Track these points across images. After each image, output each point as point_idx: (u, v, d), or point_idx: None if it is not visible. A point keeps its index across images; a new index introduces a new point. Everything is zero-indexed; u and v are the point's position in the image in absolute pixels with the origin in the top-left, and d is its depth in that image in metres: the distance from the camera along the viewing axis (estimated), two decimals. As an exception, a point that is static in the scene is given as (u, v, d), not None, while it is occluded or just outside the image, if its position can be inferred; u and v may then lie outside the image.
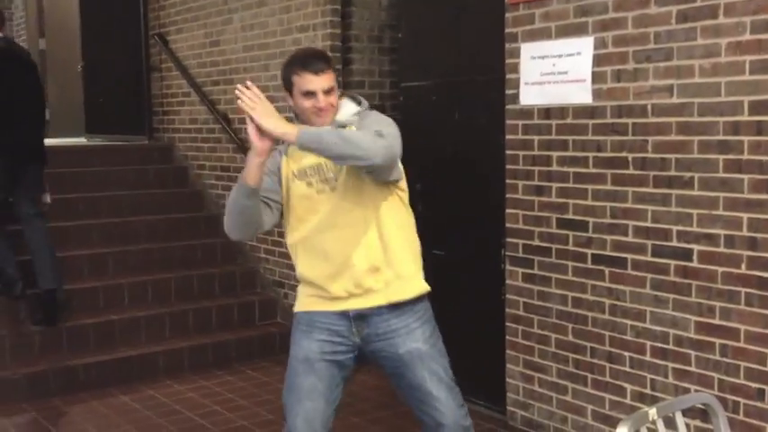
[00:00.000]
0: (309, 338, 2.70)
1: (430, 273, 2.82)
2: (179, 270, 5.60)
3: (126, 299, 5.29)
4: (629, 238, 3.47)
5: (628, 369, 3.52)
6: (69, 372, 4.70)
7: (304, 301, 2.77)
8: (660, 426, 2.01)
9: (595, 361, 3.65)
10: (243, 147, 5.76)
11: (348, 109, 2.73)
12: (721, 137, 3.12)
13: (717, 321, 3.18)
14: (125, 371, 4.84)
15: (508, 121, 3.97)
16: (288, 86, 2.67)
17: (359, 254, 2.64)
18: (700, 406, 2.20)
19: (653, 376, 3.42)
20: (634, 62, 3.40)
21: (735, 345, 3.13)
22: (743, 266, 3.08)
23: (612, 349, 3.58)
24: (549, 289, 3.82)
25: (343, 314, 2.68)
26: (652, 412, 2.00)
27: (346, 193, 2.64)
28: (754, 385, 3.09)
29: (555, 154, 3.75)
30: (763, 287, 3.03)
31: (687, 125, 3.23)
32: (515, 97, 3.92)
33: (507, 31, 3.93)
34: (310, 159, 2.65)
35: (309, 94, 2.61)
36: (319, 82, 2.60)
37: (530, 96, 3.86)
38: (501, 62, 3.97)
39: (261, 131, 2.47)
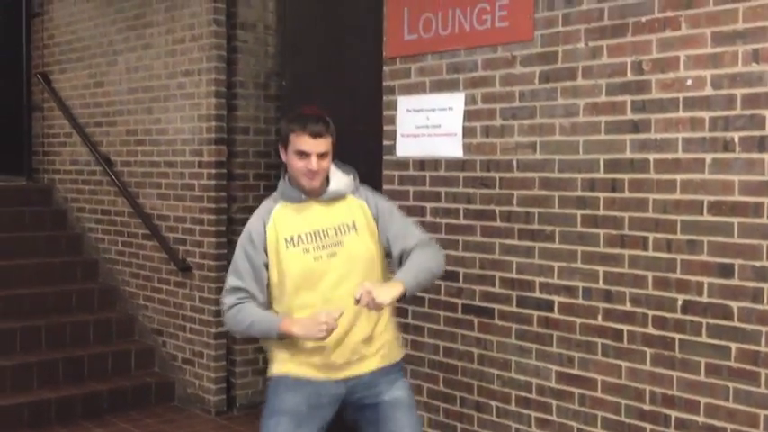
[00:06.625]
0: (295, 392, 2.69)
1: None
2: (51, 317, 5.38)
3: (-10, 347, 5.03)
4: (497, 289, 3.55)
5: (494, 418, 3.57)
6: None
7: (294, 368, 2.72)
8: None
9: (464, 410, 3.69)
10: (124, 190, 5.63)
11: (340, 178, 2.76)
12: (579, 193, 3.25)
13: (576, 371, 3.27)
14: (-15, 423, 4.58)
15: (385, 172, 4.02)
16: (284, 142, 2.69)
17: (360, 323, 2.68)
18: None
19: (517, 425, 3.48)
20: (501, 119, 3.51)
21: (592, 394, 3.23)
22: (599, 318, 3.20)
23: (480, 399, 3.63)
24: (421, 338, 3.85)
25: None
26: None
27: (346, 260, 2.67)
28: (610, 434, 3.18)
29: (428, 205, 3.82)
30: (617, 338, 3.14)
31: (548, 181, 3.35)
32: (392, 148, 3.99)
33: (385, 84, 4.01)
34: (304, 226, 2.67)
35: (303, 154, 2.64)
36: (315, 145, 2.63)
37: (406, 148, 3.94)
38: (379, 114, 4.04)
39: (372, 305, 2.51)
